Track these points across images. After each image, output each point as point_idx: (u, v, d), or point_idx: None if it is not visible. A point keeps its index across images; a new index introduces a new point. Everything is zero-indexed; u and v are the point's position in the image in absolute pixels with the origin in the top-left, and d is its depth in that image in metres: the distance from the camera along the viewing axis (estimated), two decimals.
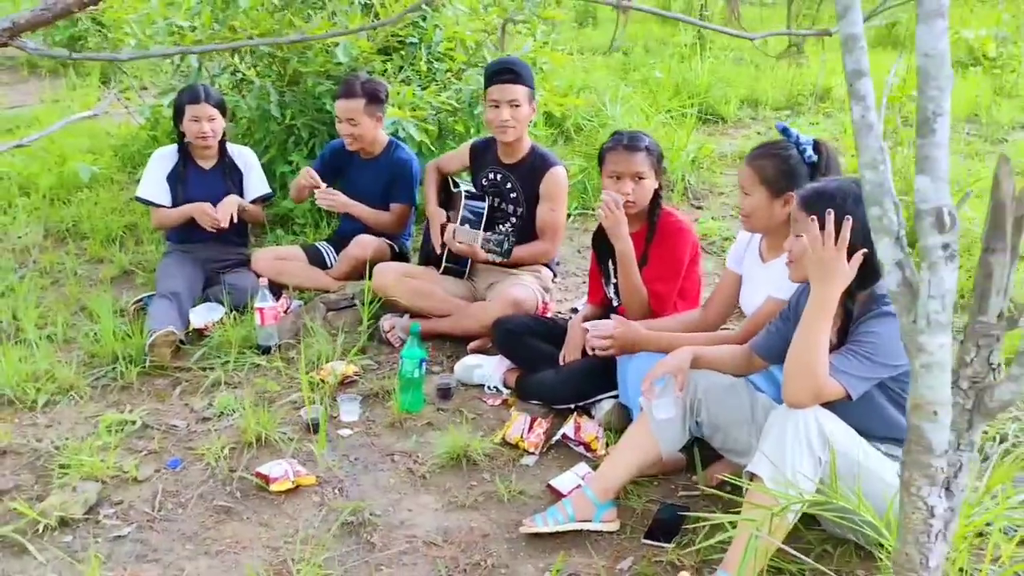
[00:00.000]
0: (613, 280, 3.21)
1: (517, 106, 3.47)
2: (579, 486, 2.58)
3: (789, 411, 2.13)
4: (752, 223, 2.72)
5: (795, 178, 2.59)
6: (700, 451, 2.69)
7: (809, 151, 2.59)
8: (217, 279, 4.00)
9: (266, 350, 3.54)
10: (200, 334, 3.69)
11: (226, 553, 2.42)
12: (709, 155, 5.94)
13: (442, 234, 3.59)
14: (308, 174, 3.97)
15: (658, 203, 3.09)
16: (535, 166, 3.58)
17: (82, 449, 2.82)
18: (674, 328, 2.92)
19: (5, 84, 9.03)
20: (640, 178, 3.01)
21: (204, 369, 3.43)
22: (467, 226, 3.52)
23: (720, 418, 2.50)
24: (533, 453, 2.86)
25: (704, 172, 5.80)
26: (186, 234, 4.03)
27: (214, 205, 3.98)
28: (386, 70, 4.83)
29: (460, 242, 3.47)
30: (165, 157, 4.07)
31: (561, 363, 3.18)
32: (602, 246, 3.21)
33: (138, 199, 4.11)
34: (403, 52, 5.06)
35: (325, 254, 4.13)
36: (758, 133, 6.83)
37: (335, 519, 2.54)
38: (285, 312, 3.82)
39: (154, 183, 4.03)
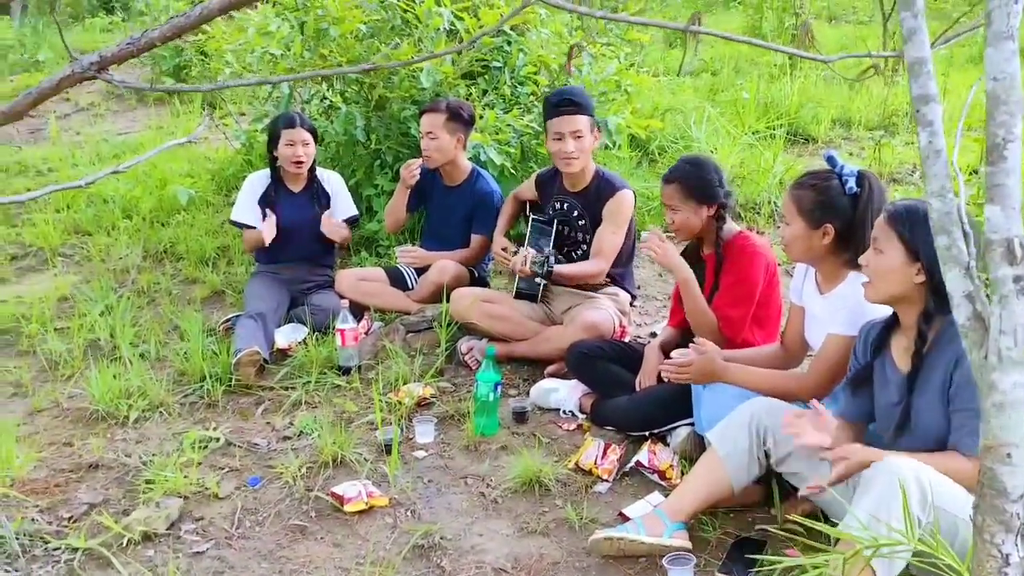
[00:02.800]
0: None
1: (580, 137, 3.47)
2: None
3: (891, 469, 1.99)
4: (792, 253, 2.68)
5: (834, 210, 2.52)
6: (779, 483, 2.60)
7: (851, 183, 2.51)
8: (302, 300, 4.10)
9: (346, 371, 3.60)
10: (284, 354, 3.78)
11: (299, 572, 2.45)
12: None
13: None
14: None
15: (719, 227, 3.04)
16: (601, 191, 3.57)
17: (167, 465, 2.91)
18: (753, 361, 2.85)
19: (115, 112, 9.47)
20: (674, 209, 3.04)
21: (286, 388, 3.51)
22: (532, 250, 3.51)
23: (788, 444, 2.45)
24: (606, 480, 2.83)
25: None
26: (274, 255, 4.14)
27: (303, 227, 4.11)
28: (470, 94, 4.88)
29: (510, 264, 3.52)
30: (258, 181, 4.21)
31: (637, 388, 3.15)
32: None
33: (232, 222, 4.25)
34: (487, 76, 5.12)
35: (407, 276, 4.18)
36: (849, 154, 6.65)
37: (406, 541, 2.56)
38: (366, 333, 3.88)
39: (247, 206, 4.17)
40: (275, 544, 2.58)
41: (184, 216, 5.54)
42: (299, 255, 4.19)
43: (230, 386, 3.50)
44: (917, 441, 2.22)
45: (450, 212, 4.12)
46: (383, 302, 4.10)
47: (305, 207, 4.17)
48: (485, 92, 5.05)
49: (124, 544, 2.55)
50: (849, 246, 2.53)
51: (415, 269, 4.18)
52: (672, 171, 3.08)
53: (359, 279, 4.13)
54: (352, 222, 4.34)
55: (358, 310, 3.98)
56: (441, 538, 2.58)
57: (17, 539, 2.53)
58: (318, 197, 4.19)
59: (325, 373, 3.60)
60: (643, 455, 2.85)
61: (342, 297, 3.90)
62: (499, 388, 3.15)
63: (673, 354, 2.80)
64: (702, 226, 3.05)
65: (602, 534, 2.43)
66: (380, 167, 4.90)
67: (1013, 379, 1.09)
